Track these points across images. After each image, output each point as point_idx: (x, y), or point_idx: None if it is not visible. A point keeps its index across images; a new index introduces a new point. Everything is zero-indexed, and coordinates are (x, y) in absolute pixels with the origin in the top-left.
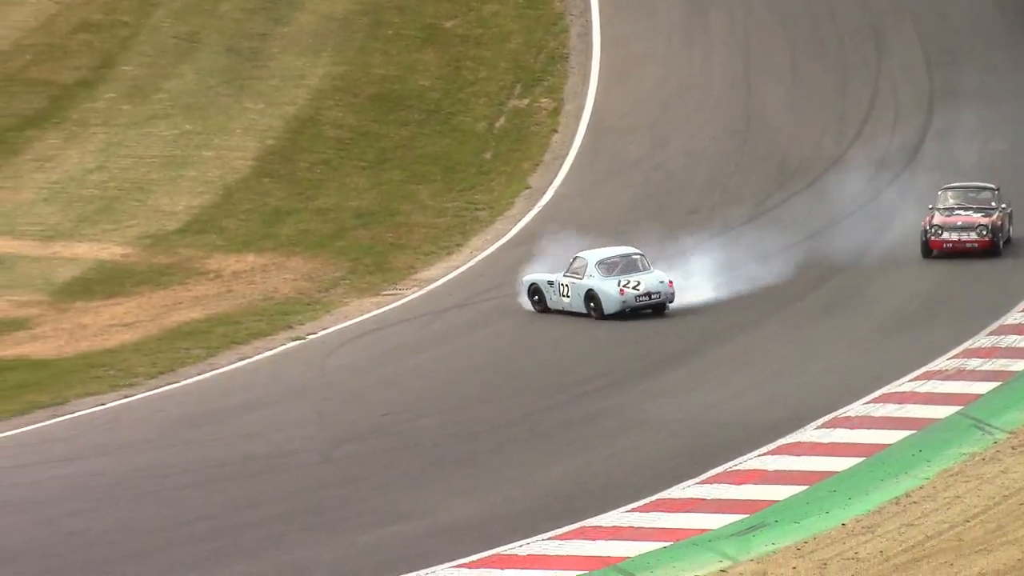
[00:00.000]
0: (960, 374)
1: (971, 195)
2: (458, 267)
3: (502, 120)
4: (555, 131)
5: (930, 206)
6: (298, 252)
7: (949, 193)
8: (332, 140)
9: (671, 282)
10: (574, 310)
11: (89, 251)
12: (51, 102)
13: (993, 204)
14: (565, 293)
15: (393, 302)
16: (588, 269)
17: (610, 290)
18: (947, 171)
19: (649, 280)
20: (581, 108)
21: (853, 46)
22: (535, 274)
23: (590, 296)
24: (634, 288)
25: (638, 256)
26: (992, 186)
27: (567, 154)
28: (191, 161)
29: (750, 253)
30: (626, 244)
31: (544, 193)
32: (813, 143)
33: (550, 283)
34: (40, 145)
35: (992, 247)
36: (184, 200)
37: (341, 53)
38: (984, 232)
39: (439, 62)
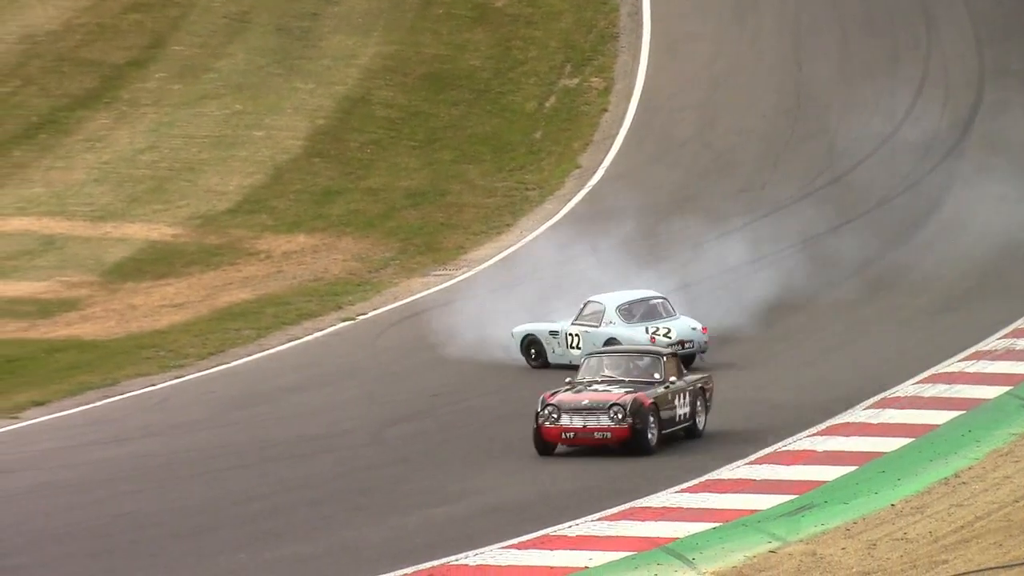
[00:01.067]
0: (1009, 354)
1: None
2: (508, 247)
3: (552, 99)
4: (605, 110)
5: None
6: (348, 232)
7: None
8: (382, 120)
9: (704, 328)
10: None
11: (139, 231)
12: (102, 82)
13: (656, 376)
14: (575, 344)
15: (443, 283)
16: (606, 315)
17: (638, 339)
18: (998, 150)
19: (680, 327)
20: (631, 87)
21: (903, 24)
22: (528, 324)
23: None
24: (666, 336)
25: (660, 300)
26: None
27: (617, 133)
28: (241, 141)
29: (799, 232)
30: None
31: (594, 173)
32: (863, 122)
33: (553, 334)
34: (91, 125)
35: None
36: (235, 180)
37: (391, 33)
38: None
39: (489, 41)
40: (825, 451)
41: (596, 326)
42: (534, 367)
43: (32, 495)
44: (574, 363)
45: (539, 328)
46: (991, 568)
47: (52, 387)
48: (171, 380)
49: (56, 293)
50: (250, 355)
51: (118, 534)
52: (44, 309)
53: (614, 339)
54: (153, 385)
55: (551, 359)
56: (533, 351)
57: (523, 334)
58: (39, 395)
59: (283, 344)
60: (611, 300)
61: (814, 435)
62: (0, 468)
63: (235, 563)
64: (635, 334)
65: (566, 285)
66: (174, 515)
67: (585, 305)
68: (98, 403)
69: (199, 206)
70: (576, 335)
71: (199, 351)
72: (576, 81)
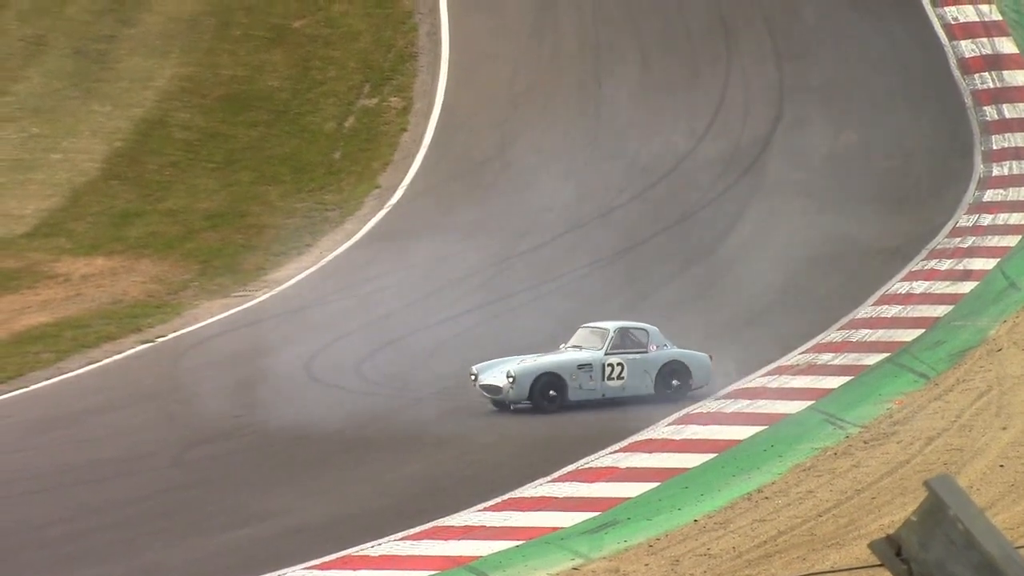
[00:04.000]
0: (811, 368)
1: None
2: (308, 268)
3: (351, 119)
4: (405, 129)
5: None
6: (147, 255)
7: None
8: (180, 142)
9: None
10: (627, 394)
11: None
12: None
13: None
14: (616, 375)
15: (243, 303)
16: (653, 339)
17: (704, 358)
18: (798, 163)
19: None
20: (431, 106)
21: (702, 39)
22: (528, 360)
23: (674, 370)
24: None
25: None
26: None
27: (417, 152)
28: (39, 164)
29: (599, 251)
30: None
31: (394, 192)
32: (664, 138)
33: (583, 367)
34: None
35: None
36: (32, 203)
37: (188, 54)
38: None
39: (288, 62)
40: (627, 467)
41: (644, 351)
42: (549, 411)
43: None
44: (606, 396)
45: (563, 362)
46: None
47: None
48: None
49: None
50: (49, 378)
51: None
52: None
53: (679, 362)
54: None
55: (572, 396)
56: (552, 391)
57: (539, 372)
58: None
59: (83, 367)
60: (652, 327)
61: (616, 452)
62: None
63: None
64: (701, 356)
65: (368, 305)
66: None
67: (626, 332)
68: None
69: None
70: (618, 364)
71: None
72: (375, 101)
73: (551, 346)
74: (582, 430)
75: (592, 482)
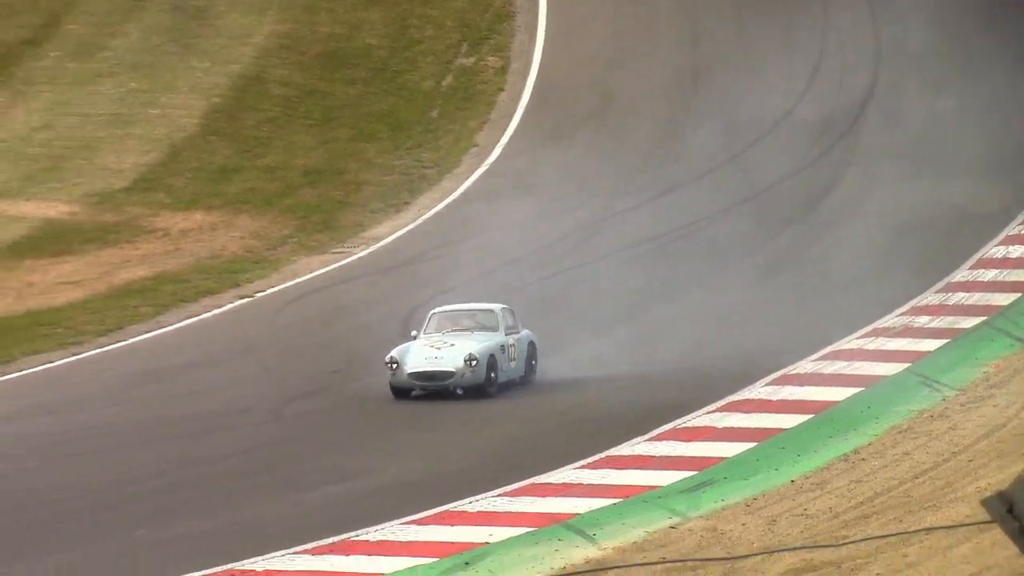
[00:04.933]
0: (908, 331)
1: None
2: (406, 225)
3: (449, 78)
4: (502, 89)
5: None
6: (245, 210)
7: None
8: (278, 98)
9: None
10: (513, 376)
11: (36, 209)
12: None
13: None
14: (512, 356)
15: (341, 260)
16: (517, 319)
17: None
18: (895, 127)
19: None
20: (528, 66)
21: (799, 3)
22: (479, 341)
23: (531, 351)
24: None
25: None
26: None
27: (514, 112)
28: (137, 119)
29: (695, 211)
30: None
31: (491, 151)
32: (759, 101)
33: (502, 348)
34: None
35: None
36: (131, 158)
37: (286, 11)
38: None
39: (385, 20)
40: (725, 427)
41: (518, 332)
42: (492, 394)
43: None
44: (511, 379)
45: (491, 344)
46: (890, 536)
47: None
48: (68, 357)
49: None
50: (148, 332)
51: (15, 511)
52: None
53: (534, 344)
54: (51, 362)
55: (500, 379)
56: (493, 373)
57: (487, 354)
58: None
59: (181, 321)
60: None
61: (713, 412)
62: None
63: (135, 540)
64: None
65: (461, 264)
66: (72, 492)
67: (505, 311)
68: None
69: (95, 184)
70: (512, 345)
71: (96, 328)
72: (473, 60)
73: (637, 310)
74: (677, 390)
75: (689, 441)
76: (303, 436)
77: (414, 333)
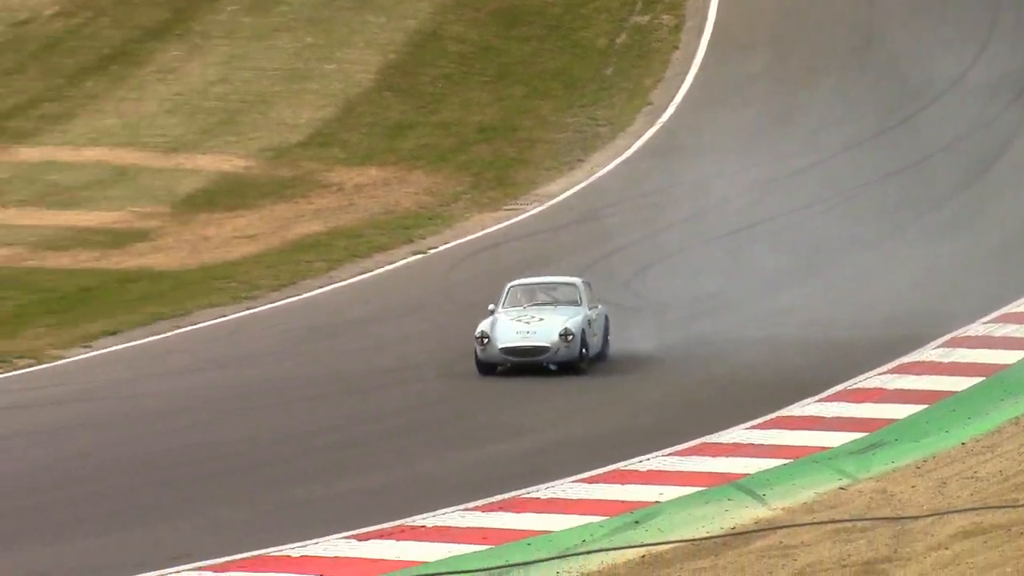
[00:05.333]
0: None
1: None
2: (579, 183)
3: (623, 36)
4: (676, 47)
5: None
6: (420, 166)
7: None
8: (454, 54)
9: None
10: (595, 353)
11: (211, 163)
12: (174, 14)
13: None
14: (595, 331)
15: (514, 217)
16: (595, 294)
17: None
18: None
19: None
20: (703, 24)
21: None
22: (569, 316)
23: (606, 327)
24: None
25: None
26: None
27: (688, 70)
28: (313, 74)
29: (869, 172)
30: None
31: (665, 109)
32: (935, 59)
33: (590, 323)
34: (163, 57)
35: None
36: (306, 113)
37: None
38: None
39: None
40: (895, 389)
41: (597, 307)
42: (584, 369)
43: (104, 425)
44: (593, 355)
45: (579, 319)
46: None
47: (124, 317)
48: (243, 311)
49: (128, 224)
50: (321, 287)
51: (190, 464)
52: (116, 239)
53: (607, 316)
54: (224, 316)
55: (589, 354)
56: (585, 348)
57: (579, 328)
58: (111, 325)
59: (354, 277)
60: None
61: (884, 374)
62: (72, 397)
63: (308, 494)
64: None
65: (634, 222)
66: (245, 446)
67: (585, 285)
68: (170, 333)
69: (271, 138)
70: (595, 320)
71: (271, 283)
72: (647, 18)
73: (809, 271)
74: (847, 352)
75: (860, 403)
76: (472, 392)
77: (491, 307)
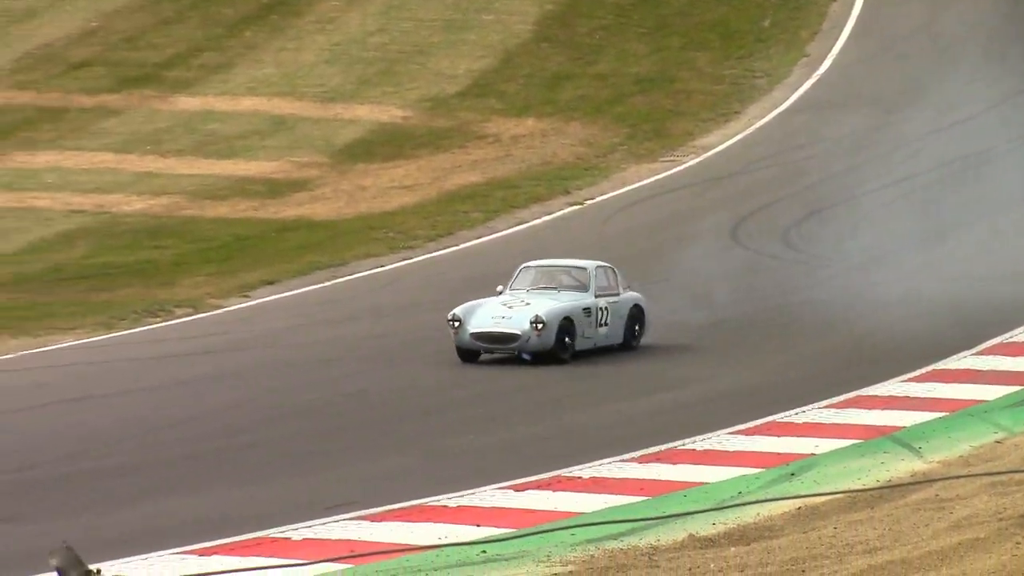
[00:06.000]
0: None
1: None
2: (736, 134)
3: None
4: (833, 0)
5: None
6: (577, 117)
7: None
8: (611, 5)
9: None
10: (607, 344)
11: (369, 113)
12: None
13: None
14: (604, 320)
15: (671, 168)
16: (620, 280)
17: (645, 300)
18: None
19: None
20: None
21: None
22: (558, 302)
23: (634, 316)
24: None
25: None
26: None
27: (846, 23)
28: (471, 25)
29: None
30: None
31: (822, 62)
32: None
33: (587, 311)
34: (322, 7)
35: None
36: (464, 64)
37: None
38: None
39: None
40: None
41: (617, 294)
42: (566, 360)
43: (262, 373)
44: (598, 346)
45: (568, 306)
46: None
47: (282, 266)
48: (400, 261)
49: (286, 173)
50: (478, 237)
51: (347, 413)
52: (274, 189)
53: (640, 307)
54: (382, 266)
55: (579, 346)
56: (567, 339)
57: (559, 317)
58: (269, 274)
59: (511, 227)
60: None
61: None
62: (231, 346)
63: (463, 444)
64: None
65: (790, 175)
66: (407, 395)
67: (609, 270)
68: (327, 283)
69: (428, 89)
70: (605, 309)
71: (428, 233)
72: None
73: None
74: (1001, 306)
75: (1016, 356)
76: (632, 345)
77: (500, 288)
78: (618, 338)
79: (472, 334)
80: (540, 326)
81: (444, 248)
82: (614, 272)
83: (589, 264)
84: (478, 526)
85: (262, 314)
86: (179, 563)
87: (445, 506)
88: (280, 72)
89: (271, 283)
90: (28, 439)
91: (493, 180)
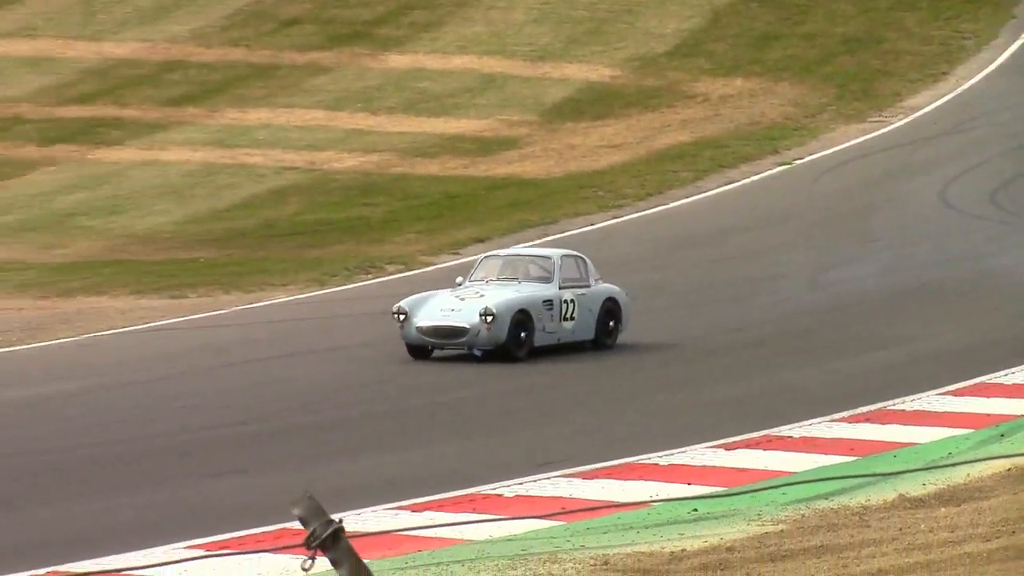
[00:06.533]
0: None
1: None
2: (944, 95)
3: None
4: None
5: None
6: (785, 77)
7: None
8: None
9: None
10: (574, 339)
11: (578, 72)
12: None
13: None
14: (569, 314)
15: (879, 129)
16: (591, 271)
17: (623, 294)
18: None
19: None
20: None
21: None
22: (515, 293)
23: (609, 310)
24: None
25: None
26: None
27: None
28: None
29: None
30: None
31: None
32: None
33: (547, 303)
34: None
35: None
36: (672, 23)
37: None
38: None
39: None
40: None
41: (587, 285)
42: (521, 357)
43: None
44: (562, 341)
45: (525, 298)
46: None
47: (492, 224)
48: (609, 220)
49: (496, 131)
50: (687, 197)
51: (559, 370)
52: (484, 147)
53: (614, 300)
54: (592, 224)
55: (536, 341)
56: (523, 333)
57: (512, 310)
58: (479, 231)
59: (720, 187)
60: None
61: None
62: None
63: (674, 402)
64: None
65: (999, 136)
66: (614, 353)
67: (574, 259)
68: (537, 241)
69: (637, 48)
70: (570, 301)
71: (637, 192)
72: None
73: None
74: None
75: None
76: (840, 304)
77: (459, 279)
78: (588, 334)
79: (418, 328)
80: (490, 319)
81: (653, 207)
82: (584, 262)
83: (554, 253)
84: (689, 484)
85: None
86: (392, 518)
87: (656, 464)
88: (490, 31)
89: (481, 240)
90: (242, 394)
91: (702, 139)
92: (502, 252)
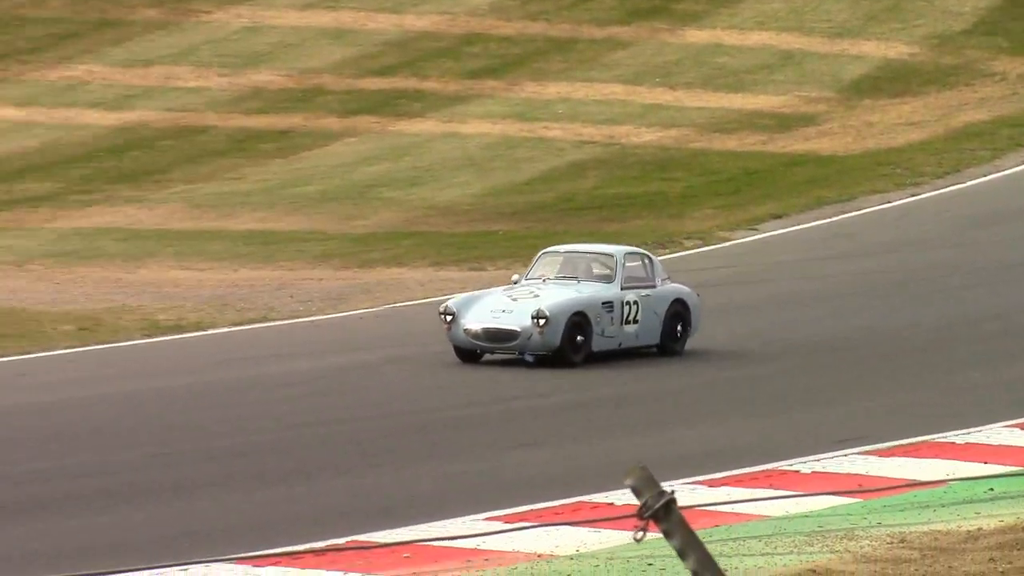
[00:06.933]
0: None
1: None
2: None
3: None
4: None
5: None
6: None
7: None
8: None
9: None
10: (638, 344)
11: (876, 49)
12: None
13: None
14: (632, 317)
15: None
16: (657, 270)
17: (695, 295)
18: None
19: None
20: None
21: None
22: (573, 294)
23: (677, 312)
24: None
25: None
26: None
27: None
28: None
29: None
30: None
31: None
32: None
33: (607, 305)
34: None
35: None
36: (971, 1)
37: None
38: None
39: None
40: None
41: (653, 285)
42: (577, 362)
43: (769, 306)
44: (624, 346)
45: (583, 299)
46: None
47: (790, 200)
48: (907, 198)
49: (794, 108)
50: (985, 175)
51: (853, 348)
52: (782, 123)
53: (682, 301)
54: (889, 202)
55: (595, 346)
56: (580, 337)
57: (567, 312)
58: (777, 208)
59: (1018, 166)
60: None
61: None
62: (737, 279)
63: (967, 381)
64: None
65: None
66: (910, 331)
67: (630, 256)
68: (834, 218)
69: (935, 25)
70: (634, 303)
71: (935, 170)
72: None
73: None
74: None
75: None
76: None
77: (515, 277)
78: (653, 338)
79: (466, 330)
80: (542, 322)
81: (951, 185)
82: (649, 260)
83: (617, 250)
84: (985, 463)
85: (768, 247)
86: (689, 493)
87: (953, 442)
88: (788, 7)
89: (779, 217)
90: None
91: (1000, 118)
92: (561, 248)
